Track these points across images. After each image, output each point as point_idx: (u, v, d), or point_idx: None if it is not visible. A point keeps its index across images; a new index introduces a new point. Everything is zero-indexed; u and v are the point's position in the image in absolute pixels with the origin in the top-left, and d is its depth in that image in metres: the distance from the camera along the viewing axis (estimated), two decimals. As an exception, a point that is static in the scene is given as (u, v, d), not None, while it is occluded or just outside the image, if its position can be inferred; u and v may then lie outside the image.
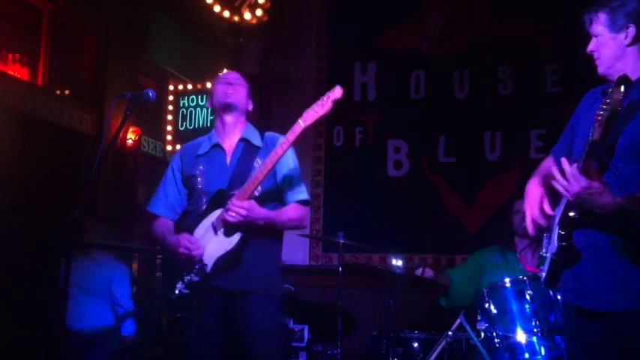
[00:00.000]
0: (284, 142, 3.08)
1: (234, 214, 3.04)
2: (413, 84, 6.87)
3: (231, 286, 3.14)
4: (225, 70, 3.46)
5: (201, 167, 3.36)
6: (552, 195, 2.61)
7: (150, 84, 7.57)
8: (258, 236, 3.16)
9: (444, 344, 4.33)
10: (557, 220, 2.49)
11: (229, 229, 3.11)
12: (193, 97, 7.41)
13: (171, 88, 7.55)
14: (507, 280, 3.93)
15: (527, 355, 3.73)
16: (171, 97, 7.51)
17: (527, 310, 3.80)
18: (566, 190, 2.31)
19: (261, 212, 3.11)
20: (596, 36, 2.53)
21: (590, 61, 2.59)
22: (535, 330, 3.74)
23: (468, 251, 6.02)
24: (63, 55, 6.36)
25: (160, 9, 7.26)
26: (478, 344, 4.07)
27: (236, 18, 6.84)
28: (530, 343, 3.75)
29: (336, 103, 3.01)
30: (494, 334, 3.88)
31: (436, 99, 6.80)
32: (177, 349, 3.32)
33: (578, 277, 2.47)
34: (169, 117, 7.50)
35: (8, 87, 5.58)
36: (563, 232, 2.42)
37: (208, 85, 7.48)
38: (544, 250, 2.60)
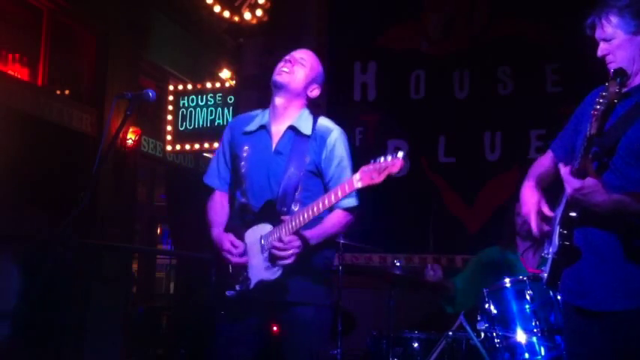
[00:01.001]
0: (334, 193, 2.89)
1: (283, 256, 2.95)
2: (413, 84, 6.86)
3: (274, 297, 3.07)
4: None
5: (245, 148, 3.23)
6: (548, 196, 2.61)
7: (150, 84, 7.58)
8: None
9: (444, 344, 4.33)
10: (557, 219, 2.49)
11: (273, 257, 3.01)
12: (193, 97, 7.42)
13: (171, 88, 7.56)
14: (507, 280, 3.93)
15: (527, 356, 3.73)
16: (171, 97, 7.52)
17: (528, 310, 3.80)
18: (566, 189, 2.32)
19: (304, 248, 3.00)
20: (607, 39, 2.48)
21: (591, 61, 2.58)
22: (535, 330, 3.74)
23: (468, 251, 6.02)
24: (63, 55, 6.36)
25: (160, 9, 7.26)
26: (478, 344, 4.07)
27: (236, 18, 6.84)
28: (530, 344, 3.75)
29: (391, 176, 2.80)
30: (495, 334, 3.88)
31: (436, 99, 6.79)
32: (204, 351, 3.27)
33: (577, 277, 2.47)
34: (169, 117, 7.51)
35: (8, 87, 5.59)
36: (563, 232, 2.41)
37: (208, 85, 7.49)
38: (545, 251, 2.60)
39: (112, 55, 6.68)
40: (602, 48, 2.50)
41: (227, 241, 3.09)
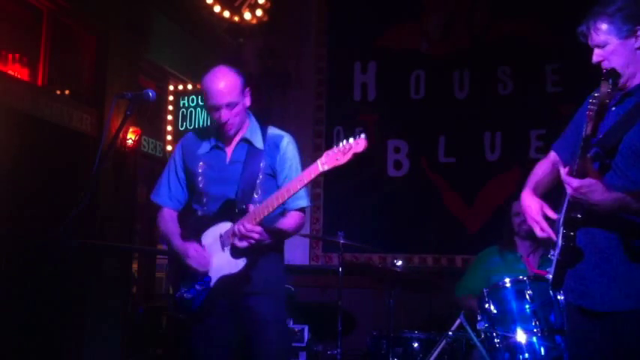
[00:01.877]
0: (299, 180, 2.97)
1: (245, 241, 3.03)
2: (413, 84, 6.87)
3: (235, 288, 3.15)
4: (207, 77, 3.26)
5: (201, 164, 3.31)
6: (548, 200, 2.62)
7: (150, 84, 7.56)
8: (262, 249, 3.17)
9: (444, 344, 4.34)
10: (561, 221, 2.50)
11: (236, 249, 3.09)
12: (193, 97, 7.41)
13: (171, 88, 7.55)
14: (507, 280, 3.93)
15: (527, 355, 3.73)
16: (171, 97, 7.51)
17: (527, 310, 3.80)
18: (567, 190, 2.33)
19: (266, 237, 3.10)
20: (601, 46, 2.48)
21: (591, 61, 2.58)
22: (535, 330, 3.74)
23: (468, 251, 6.03)
24: (63, 55, 6.35)
25: (160, 9, 7.25)
26: (478, 344, 4.07)
27: (236, 18, 6.84)
28: (530, 343, 3.75)
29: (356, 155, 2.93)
30: (495, 334, 3.88)
31: (436, 99, 6.80)
32: (180, 351, 3.34)
33: (579, 277, 2.47)
34: (169, 117, 7.50)
35: (8, 87, 5.58)
36: (567, 233, 2.41)
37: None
38: (551, 253, 2.61)
39: (112, 55, 6.66)
40: (597, 54, 2.50)
41: (192, 250, 3.18)
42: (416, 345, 4.57)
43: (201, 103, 7.37)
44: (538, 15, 6.53)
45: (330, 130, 6.90)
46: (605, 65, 2.47)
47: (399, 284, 4.74)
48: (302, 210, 3.32)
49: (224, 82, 3.16)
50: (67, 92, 6.51)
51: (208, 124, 7.51)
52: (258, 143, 3.28)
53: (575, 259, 2.44)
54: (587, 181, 2.26)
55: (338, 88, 7.07)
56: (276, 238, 3.20)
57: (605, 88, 2.21)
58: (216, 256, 3.16)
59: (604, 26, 2.46)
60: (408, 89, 6.87)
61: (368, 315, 5.85)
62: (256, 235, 3.01)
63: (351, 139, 2.95)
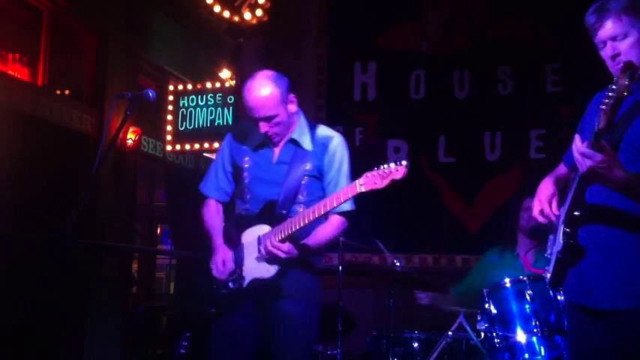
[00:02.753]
0: (335, 197, 2.98)
1: (270, 256, 3.05)
2: (413, 84, 6.86)
3: (265, 291, 3.15)
4: (245, 87, 3.25)
5: (247, 159, 3.29)
6: (562, 197, 2.61)
7: (150, 84, 7.57)
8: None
9: (444, 344, 4.33)
10: (562, 218, 2.50)
11: (272, 258, 3.09)
12: (193, 97, 7.41)
13: (171, 88, 7.56)
14: (507, 280, 3.93)
15: (527, 355, 3.73)
16: (171, 97, 7.51)
17: (527, 310, 3.80)
18: (580, 164, 2.25)
19: (296, 253, 3.07)
20: (618, 38, 2.44)
21: (591, 61, 2.57)
22: (535, 330, 3.74)
23: (468, 251, 6.03)
24: (63, 55, 6.36)
25: (160, 9, 7.26)
26: (478, 344, 4.07)
27: (236, 18, 6.84)
28: (530, 343, 3.75)
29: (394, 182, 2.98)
30: (494, 334, 3.88)
31: (436, 99, 6.79)
32: (204, 346, 3.30)
33: (580, 275, 2.46)
34: (169, 117, 7.50)
35: (8, 87, 5.58)
36: (568, 230, 2.40)
37: (208, 85, 7.49)
38: (548, 251, 2.60)
39: (112, 55, 6.68)
40: (613, 47, 2.45)
41: (219, 258, 3.19)
42: (416, 345, 4.57)
43: (201, 103, 7.37)
44: (538, 15, 6.52)
45: (330, 130, 6.89)
46: (622, 60, 2.43)
47: (399, 284, 4.73)
48: (344, 214, 3.26)
49: (260, 94, 3.13)
50: (67, 92, 6.52)
51: (208, 124, 7.53)
52: (306, 144, 3.25)
53: (576, 257, 2.43)
54: (610, 154, 2.20)
55: (338, 88, 7.06)
56: (317, 246, 3.17)
57: (623, 80, 2.11)
58: (252, 257, 3.17)
59: (625, 18, 2.43)
60: (408, 89, 6.86)
61: (368, 315, 5.84)
62: (282, 254, 3.02)
63: (392, 164, 2.97)
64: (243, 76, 7.25)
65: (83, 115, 6.41)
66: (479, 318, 4.01)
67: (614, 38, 2.45)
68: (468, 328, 4.18)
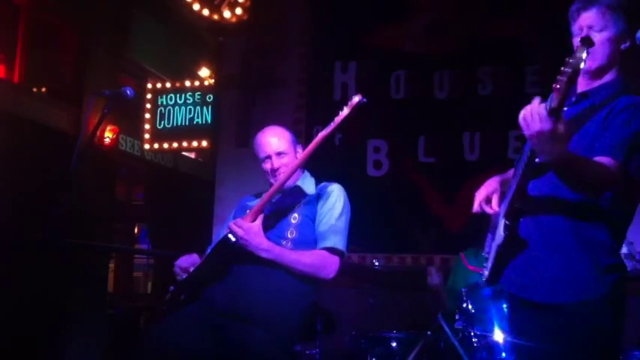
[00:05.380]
0: (302, 153, 3.14)
1: (232, 233, 3.00)
2: (393, 84, 6.87)
3: (224, 307, 2.98)
4: (258, 133, 3.35)
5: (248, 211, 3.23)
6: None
7: (130, 82, 7.52)
8: (269, 266, 3.01)
9: (422, 344, 4.35)
10: (502, 213, 2.50)
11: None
12: (172, 95, 7.36)
13: (149, 86, 7.50)
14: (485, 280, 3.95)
15: (504, 355, 3.75)
16: (149, 96, 7.46)
17: (505, 309, 3.82)
18: (527, 125, 2.16)
19: (261, 241, 2.99)
20: (595, 29, 2.46)
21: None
22: (508, 326, 3.75)
23: (449, 251, 6.04)
24: (41, 52, 6.30)
25: (140, 7, 7.21)
26: (456, 344, 4.08)
27: (215, 16, 6.80)
28: (507, 343, 3.77)
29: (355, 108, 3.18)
30: (472, 333, 3.90)
31: (416, 99, 6.80)
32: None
33: (522, 268, 2.46)
34: (147, 115, 7.44)
35: (-16, 84, 5.52)
36: (508, 223, 2.40)
37: (187, 83, 7.45)
38: (486, 250, 2.61)
39: (92, 52, 6.63)
40: (589, 34, 2.42)
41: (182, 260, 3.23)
42: (395, 345, 4.58)
43: (180, 102, 7.33)
44: (518, 17, 6.56)
45: (309, 130, 6.88)
46: (593, 50, 2.42)
47: (378, 284, 4.74)
48: (329, 251, 3.16)
49: (275, 134, 3.33)
50: (44, 90, 6.45)
51: (187, 122, 7.48)
52: (309, 188, 3.32)
53: (517, 250, 2.43)
54: (561, 127, 2.10)
55: (318, 87, 7.06)
56: (277, 261, 3.02)
57: (580, 54, 2.03)
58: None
59: (608, 14, 2.46)
60: (389, 89, 6.88)
61: (347, 315, 5.83)
62: (239, 231, 2.96)
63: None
64: (223, 75, 7.23)
65: (61, 113, 6.36)
66: (457, 317, 4.03)
67: (591, 27, 2.47)
68: (447, 328, 4.20)
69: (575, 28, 2.54)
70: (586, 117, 2.42)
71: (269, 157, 3.27)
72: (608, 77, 2.51)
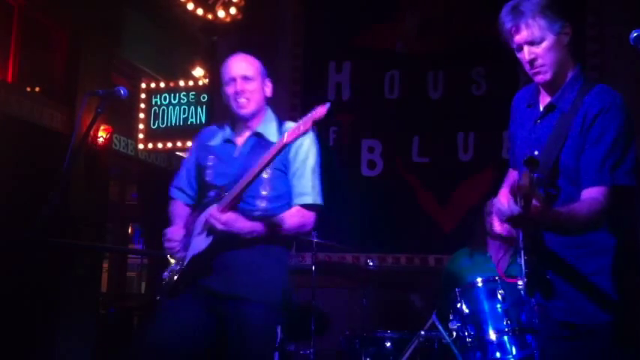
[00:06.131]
0: (263, 157, 2.84)
1: (213, 227, 2.93)
2: (387, 84, 6.88)
3: (219, 287, 2.98)
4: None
5: (212, 157, 3.19)
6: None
7: (123, 82, 7.50)
8: (252, 240, 2.98)
9: (416, 344, 4.35)
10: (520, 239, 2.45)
11: (212, 229, 2.97)
12: (166, 95, 7.35)
13: (143, 86, 7.49)
14: (479, 279, 3.95)
15: (498, 355, 3.75)
16: (143, 95, 7.45)
17: (499, 309, 3.82)
18: (503, 215, 2.16)
19: (243, 226, 2.93)
20: (536, 43, 2.42)
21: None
22: (506, 329, 3.76)
23: (442, 251, 6.05)
24: (34, 52, 6.28)
25: (133, 6, 7.20)
26: (450, 344, 4.09)
27: (210, 16, 6.79)
28: (501, 343, 3.77)
29: (316, 122, 2.84)
30: (466, 333, 3.90)
31: (410, 99, 6.81)
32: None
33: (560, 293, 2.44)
34: (141, 115, 7.43)
35: (-23, 83, 5.50)
36: (528, 258, 2.37)
37: (181, 83, 7.44)
38: (518, 260, 2.60)
39: (85, 52, 6.61)
40: (531, 51, 2.43)
41: (170, 230, 3.13)
42: (389, 344, 4.58)
43: (173, 102, 7.31)
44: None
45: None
46: (540, 63, 2.42)
47: (372, 284, 4.74)
48: (307, 207, 3.09)
49: (244, 59, 3.17)
50: (38, 89, 6.43)
51: (181, 122, 7.47)
52: (271, 136, 3.11)
53: (539, 284, 2.42)
54: (539, 208, 2.09)
55: (312, 87, 7.05)
56: (263, 235, 2.99)
57: (524, 181, 2.00)
58: (196, 237, 3.06)
59: (541, 21, 2.40)
60: (383, 89, 6.88)
61: (341, 314, 5.84)
62: (218, 225, 2.88)
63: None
64: (217, 75, 7.21)
65: (54, 112, 6.34)
66: (451, 317, 4.03)
67: (531, 43, 2.44)
68: (441, 328, 4.20)
69: (514, 45, 2.51)
70: (562, 127, 2.40)
71: (234, 79, 3.10)
72: (566, 78, 2.49)
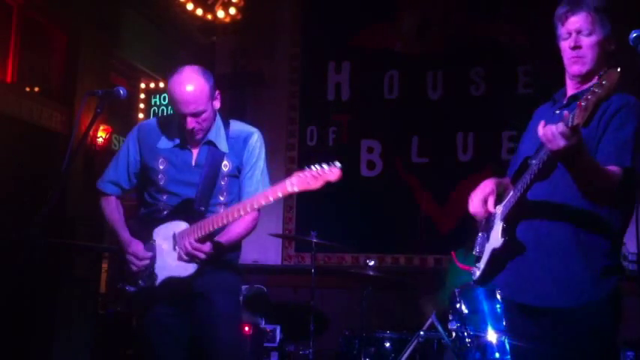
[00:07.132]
0: (263, 196, 2.89)
1: (190, 258, 3.00)
2: (387, 84, 6.88)
3: (183, 290, 3.09)
4: (173, 80, 3.13)
5: (162, 160, 3.17)
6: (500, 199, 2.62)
7: (122, 82, 7.49)
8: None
9: (415, 344, 4.35)
10: (499, 216, 2.51)
11: (194, 258, 3.03)
12: (165, 95, 7.35)
13: (142, 86, 7.49)
14: (479, 280, 3.95)
15: (497, 355, 3.76)
16: (142, 95, 7.45)
17: (498, 309, 3.83)
18: (550, 142, 2.14)
19: (218, 252, 3.05)
20: (585, 33, 2.46)
21: (561, 63, 2.59)
22: (505, 329, 3.76)
23: (441, 251, 6.05)
24: (33, 52, 6.27)
25: (132, 6, 7.19)
26: (449, 344, 4.09)
27: (209, 16, 6.78)
28: (500, 343, 3.78)
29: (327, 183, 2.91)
30: (466, 333, 3.90)
31: (410, 99, 6.81)
32: (140, 347, 3.27)
33: (519, 273, 2.47)
34: (141, 115, 7.43)
35: (-24, 83, 5.50)
36: (507, 227, 2.42)
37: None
38: (477, 249, 2.62)
39: (83, 52, 6.59)
40: (576, 39, 2.47)
41: (134, 248, 3.11)
42: (388, 345, 4.58)
43: (173, 102, 7.31)
44: (511, 17, 6.58)
45: (303, 130, 6.88)
46: (581, 54, 2.46)
47: (371, 284, 4.74)
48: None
49: (190, 88, 3.02)
50: (36, 89, 6.43)
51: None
52: (222, 145, 3.16)
53: (514, 254, 2.44)
54: (581, 138, 2.12)
55: (312, 87, 7.06)
56: (231, 244, 3.14)
57: (615, 76, 2.01)
58: (166, 255, 3.07)
59: (597, 17, 2.46)
60: (382, 89, 6.88)
61: (340, 315, 5.84)
62: (201, 255, 2.98)
63: (325, 165, 2.88)
64: (215, 75, 7.20)
65: (53, 112, 6.33)
66: (450, 318, 4.03)
67: (579, 31, 2.47)
68: (440, 328, 4.20)
69: (562, 32, 2.53)
70: (613, 119, 2.42)
71: (184, 116, 3.04)
72: (594, 81, 2.50)
